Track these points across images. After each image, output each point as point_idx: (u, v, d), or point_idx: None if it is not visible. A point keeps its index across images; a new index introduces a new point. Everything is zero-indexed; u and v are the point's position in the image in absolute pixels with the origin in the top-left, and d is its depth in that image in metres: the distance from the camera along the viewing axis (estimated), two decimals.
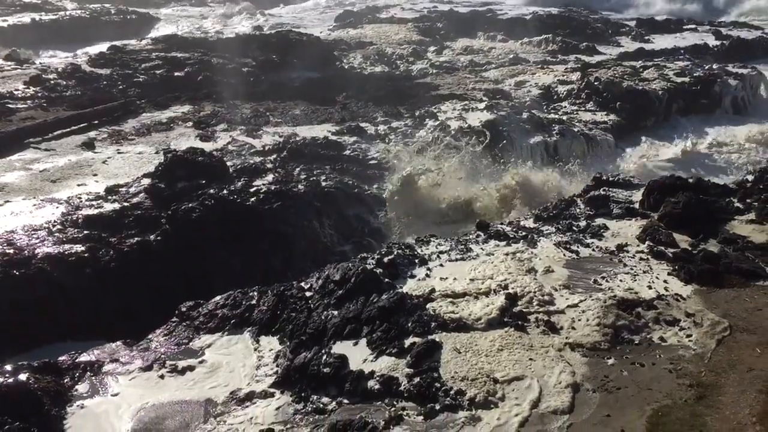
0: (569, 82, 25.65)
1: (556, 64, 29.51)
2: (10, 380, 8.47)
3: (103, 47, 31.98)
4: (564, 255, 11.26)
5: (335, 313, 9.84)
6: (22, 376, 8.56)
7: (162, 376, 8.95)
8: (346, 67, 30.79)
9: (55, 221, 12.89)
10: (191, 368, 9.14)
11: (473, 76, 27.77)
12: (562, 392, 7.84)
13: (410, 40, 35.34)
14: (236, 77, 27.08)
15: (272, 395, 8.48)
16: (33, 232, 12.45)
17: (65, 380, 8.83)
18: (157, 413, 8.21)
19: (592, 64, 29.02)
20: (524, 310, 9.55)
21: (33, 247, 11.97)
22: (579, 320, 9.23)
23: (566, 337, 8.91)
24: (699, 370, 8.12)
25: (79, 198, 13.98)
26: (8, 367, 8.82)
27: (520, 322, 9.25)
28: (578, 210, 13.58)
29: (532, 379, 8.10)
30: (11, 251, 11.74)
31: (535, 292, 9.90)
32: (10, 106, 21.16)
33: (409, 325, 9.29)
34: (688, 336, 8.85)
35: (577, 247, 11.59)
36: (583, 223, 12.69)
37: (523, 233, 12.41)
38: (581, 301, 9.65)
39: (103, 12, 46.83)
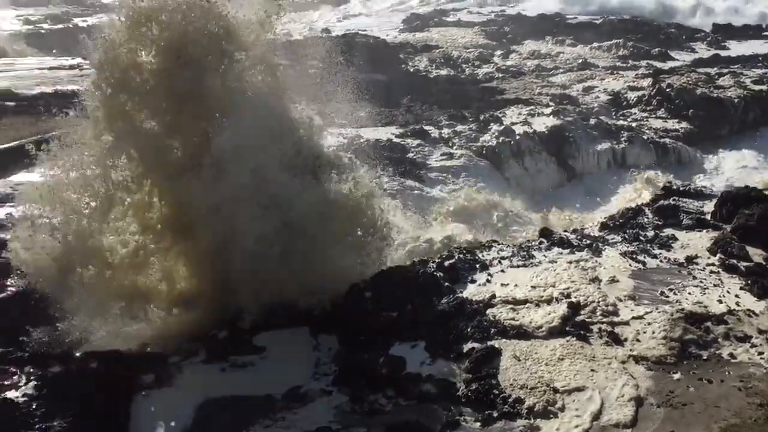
0: (640, 88, 25.05)
1: (627, 70, 28.87)
2: (81, 367, 8.80)
3: None
4: (630, 265, 10.98)
5: (394, 314, 9.85)
6: (93, 364, 8.89)
7: (224, 370, 9.16)
8: (412, 70, 30.84)
9: None
10: (252, 363, 9.31)
11: (540, 81, 27.43)
12: (624, 405, 7.65)
13: (476, 44, 35.18)
14: (302, 79, 27.42)
15: (329, 393, 8.57)
16: None
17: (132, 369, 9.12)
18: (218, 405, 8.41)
19: (664, 70, 28.26)
20: (587, 319, 9.36)
21: None
22: (644, 332, 8.98)
23: (630, 349, 8.69)
24: None
25: None
26: (78, 354, 9.17)
27: (582, 332, 9.07)
28: (646, 219, 13.24)
29: (593, 390, 7.93)
30: None
31: (598, 302, 9.69)
32: (88, 104, 21.95)
33: (469, 330, 9.23)
34: (760, 354, 8.51)
35: (644, 257, 11.29)
36: (650, 233, 12.35)
37: (588, 241, 12.17)
38: (647, 313, 9.39)
39: None
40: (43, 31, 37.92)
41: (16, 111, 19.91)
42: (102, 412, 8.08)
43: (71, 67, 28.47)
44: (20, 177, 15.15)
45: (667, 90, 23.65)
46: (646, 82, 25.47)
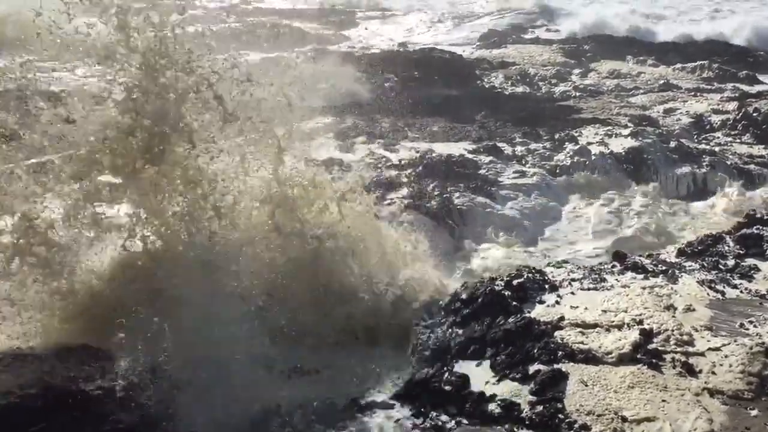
0: (724, 111, 24.15)
1: (711, 92, 27.88)
2: None
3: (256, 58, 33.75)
4: (708, 294, 10.58)
5: (460, 331, 9.80)
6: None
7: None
8: (487, 86, 30.70)
9: None
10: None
11: (618, 101, 26.81)
12: None
13: (554, 62, 34.68)
14: (378, 91, 27.74)
15: (392, 407, 8.58)
16: None
17: None
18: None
19: (751, 93, 27.18)
20: (660, 348, 9.05)
21: None
22: (720, 365, 8.62)
23: (705, 382, 8.35)
24: None
25: None
26: None
27: (654, 361, 8.78)
28: (726, 248, 12.74)
29: (664, 422, 7.66)
30: None
31: (672, 331, 9.36)
32: None
33: (535, 351, 9.08)
34: None
35: (723, 287, 10.86)
36: (731, 262, 11.88)
37: (663, 267, 11.80)
38: (724, 345, 9.01)
39: (258, 25, 49.67)
40: None
41: None
42: None
43: None
44: None
45: (754, 114, 22.73)
46: (732, 106, 24.55)
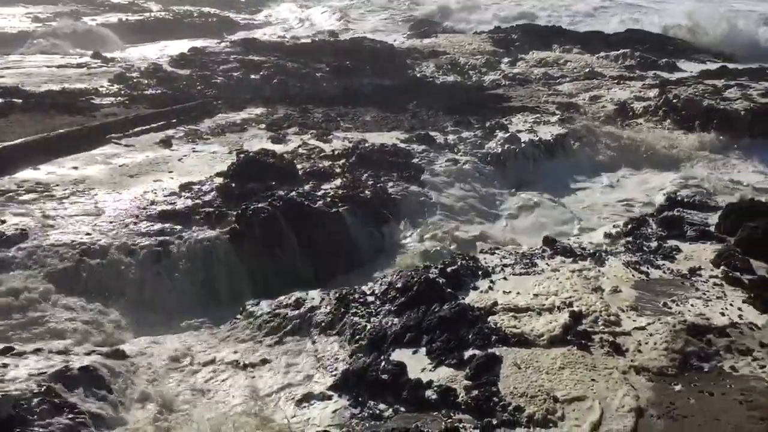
0: (646, 98, 24.97)
1: (633, 80, 28.79)
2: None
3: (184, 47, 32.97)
4: (633, 275, 10.97)
5: (396, 320, 9.86)
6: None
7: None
8: (419, 75, 30.87)
9: (131, 214, 13.37)
10: (252, 365, 9.32)
11: (546, 89, 27.39)
12: (624, 416, 7.63)
13: (484, 51, 35.14)
14: (309, 82, 27.52)
15: (330, 398, 8.57)
16: (110, 224, 12.94)
17: None
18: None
19: (671, 80, 28.20)
20: (588, 329, 9.34)
21: (109, 237, 12.44)
22: (646, 343, 8.97)
23: (631, 360, 8.67)
24: None
25: (155, 193, 14.45)
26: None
27: (583, 341, 9.05)
28: (650, 230, 13.23)
29: (593, 400, 7.91)
30: (88, 240, 12.24)
31: (600, 312, 9.68)
32: (94, 102, 22.03)
33: (470, 336, 9.22)
34: (762, 367, 8.48)
35: (647, 268, 11.28)
36: (654, 244, 12.34)
37: (591, 251, 12.16)
38: (649, 324, 9.37)
39: (185, 14, 48.58)
40: (52, 29, 38.03)
41: (23, 108, 19.99)
42: None
43: (79, 66, 28.57)
44: (25, 174, 15.20)
45: (674, 100, 23.59)
46: (653, 93, 25.41)
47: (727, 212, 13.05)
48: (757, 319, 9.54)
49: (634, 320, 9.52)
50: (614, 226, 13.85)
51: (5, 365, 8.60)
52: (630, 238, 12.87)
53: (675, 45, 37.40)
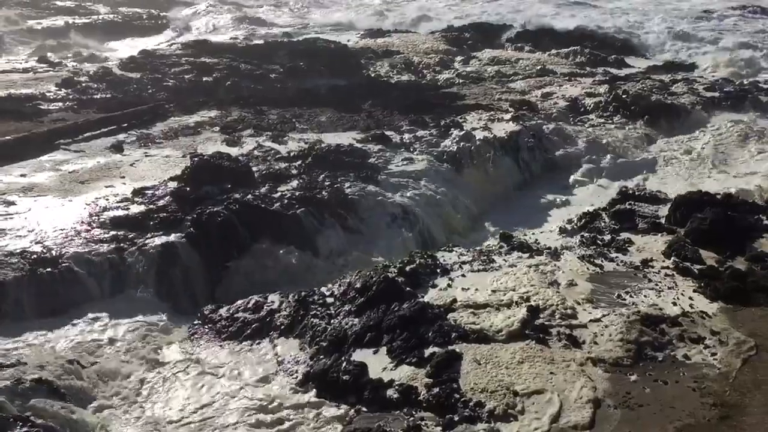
0: (597, 94, 25.44)
1: (584, 77, 29.30)
2: None
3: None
4: (588, 269, 11.18)
5: (356, 320, 9.87)
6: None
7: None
8: (373, 75, 30.88)
9: (82, 221, 13.06)
10: (212, 369, 9.22)
11: (500, 87, 27.66)
12: (582, 407, 7.77)
13: (437, 50, 35.30)
14: (263, 83, 27.30)
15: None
16: (61, 232, 12.63)
17: None
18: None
19: (620, 76, 28.79)
20: (546, 323, 9.49)
21: (61, 246, 12.14)
22: (602, 335, 9.15)
23: (588, 352, 8.84)
24: (723, 390, 8.01)
25: (107, 199, 14.15)
26: None
27: (541, 335, 9.20)
28: (603, 224, 13.48)
29: (552, 393, 8.04)
30: (39, 250, 11.92)
31: (557, 306, 9.84)
32: (41, 107, 21.51)
33: (430, 334, 9.28)
34: (713, 354, 8.74)
35: (602, 261, 11.51)
36: (607, 237, 12.59)
37: (547, 246, 12.34)
38: (604, 316, 9.57)
39: (135, 17, 47.77)
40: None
41: None
42: None
43: (25, 71, 27.85)
44: None
45: (623, 96, 24.07)
46: (603, 89, 25.89)
47: (677, 204, 13.38)
48: (708, 308, 9.83)
49: (589, 313, 9.71)
50: (568, 221, 14.07)
51: None
52: (584, 232, 13.08)
53: (623, 42, 38.14)
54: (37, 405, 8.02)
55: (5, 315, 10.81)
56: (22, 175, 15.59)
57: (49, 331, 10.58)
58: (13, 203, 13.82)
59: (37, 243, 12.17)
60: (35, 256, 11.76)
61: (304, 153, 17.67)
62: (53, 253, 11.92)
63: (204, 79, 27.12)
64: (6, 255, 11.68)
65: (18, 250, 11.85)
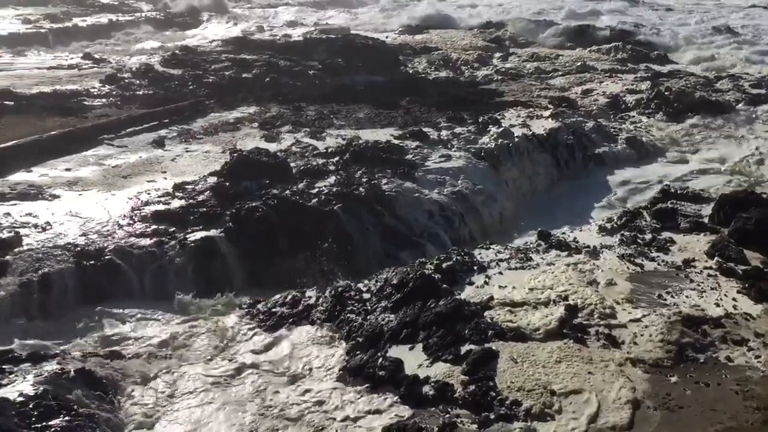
0: (638, 91, 25.03)
1: (625, 73, 28.85)
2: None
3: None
4: (628, 268, 11.01)
5: (392, 316, 9.87)
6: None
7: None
8: (411, 71, 30.84)
9: (125, 215, 13.33)
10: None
11: (539, 84, 27.42)
12: (621, 408, 7.67)
13: (476, 46, 35.13)
14: (302, 79, 27.48)
15: None
16: (104, 225, 12.90)
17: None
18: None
19: (663, 73, 28.28)
20: (584, 322, 9.38)
21: (104, 239, 12.41)
22: (641, 335, 9.01)
23: (627, 352, 8.71)
24: (767, 393, 7.81)
25: (149, 194, 14.41)
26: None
27: (579, 335, 9.09)
28: (644, 222, 13.26)
29: (590, 393, 7.95)
30: (83, 243, 12.20)
31: (596, 305, 9.71)
32: (86, 103, 21.97)
33: (466, 332, 9.24)
34: (757, 357, 8.54)
35: (642, 260, 11.32)
36: (648, 236, 12.38)
37: (586, 244, 12.18)
38: (644, 316, 9.42)
39: (176, 14, 48.50)
40: (42, 31, 37.82)
41: (14, 110, 19.91)
42: None
43: (70, 67, 28.47)
44: (18, 177, 15.16)
45: (666, 93, 23.65)
46: (645, 85, 25.48)
47: (721, 203, 13.10)
48: (752, 309, 9.60)
49: (629, 312, 9.57)
50: (608, 220, 13.88)
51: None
52: (625, 231, 12.89)
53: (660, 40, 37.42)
54: (79, 395, 8.21)
55: (50, 306, 11.09)
56: (67, 170, 15.97)
57: (92, 321, 10.85)
58: (58, 197, 14.18)
59: (81, 236, 12.47)
60: (79, 248, 12.05)
61: (341, 149, 17.74)
62: (96, 246, 12.19)
63: (243, 75, 27.39)
64: (51, 248, 11.98)
65: (62, 243, 12.15)
